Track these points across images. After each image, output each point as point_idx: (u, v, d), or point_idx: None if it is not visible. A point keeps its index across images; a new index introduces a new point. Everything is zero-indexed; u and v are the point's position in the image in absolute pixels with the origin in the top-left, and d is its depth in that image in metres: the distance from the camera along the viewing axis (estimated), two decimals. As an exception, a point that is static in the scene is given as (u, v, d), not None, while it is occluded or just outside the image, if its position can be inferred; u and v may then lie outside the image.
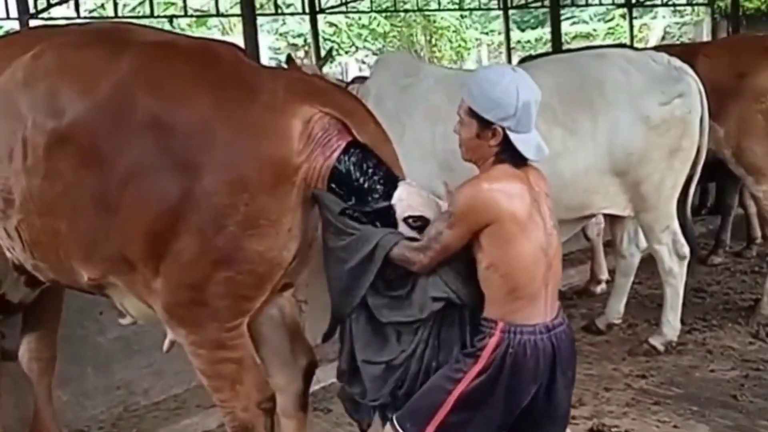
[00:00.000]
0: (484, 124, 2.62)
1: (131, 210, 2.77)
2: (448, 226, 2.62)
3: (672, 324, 5.22)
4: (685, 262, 5.13)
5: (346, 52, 20.14)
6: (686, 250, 5.10)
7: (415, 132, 4.84)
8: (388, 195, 2.80)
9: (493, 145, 2.62)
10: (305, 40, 17.10)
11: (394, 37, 19.89)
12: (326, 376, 4.92)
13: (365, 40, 20.01)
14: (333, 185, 2.79)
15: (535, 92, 2.66)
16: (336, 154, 2.78)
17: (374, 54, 19.83)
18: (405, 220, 2.79)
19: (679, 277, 5.15)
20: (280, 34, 18.41)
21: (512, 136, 2.60)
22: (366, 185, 2.79)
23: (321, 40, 13.52)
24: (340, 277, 2.80)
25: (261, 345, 3.24)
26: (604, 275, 6.67)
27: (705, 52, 5.75)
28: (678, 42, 22.13)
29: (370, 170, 2.80)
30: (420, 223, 2.78)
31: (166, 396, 4.68)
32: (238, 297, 2.83)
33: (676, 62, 5.00)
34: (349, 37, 19.41)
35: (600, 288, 6.64)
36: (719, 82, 5.32)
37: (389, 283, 2.78)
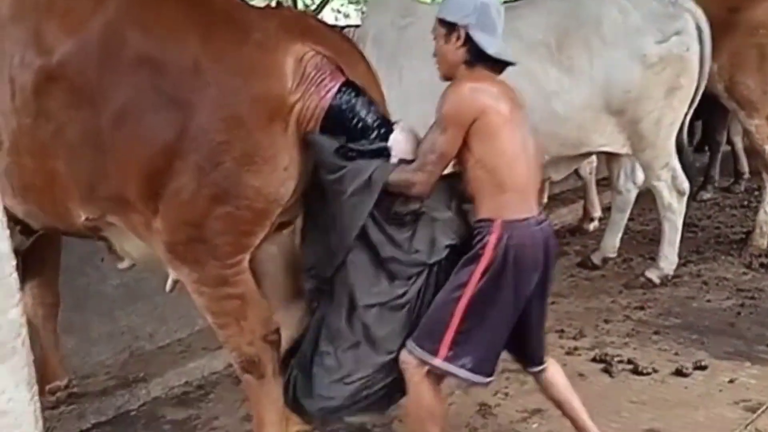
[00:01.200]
0: (449, 28, 2.77)
1: (127, 149, 2.71)
2: (439, 132, 2.70)
3: (669, 258, 5.20)
4: (684, 198, 5.09)
5: (322, 0, 19.69)
6: (686, 185, 5.06)
7: (414, 72, 4.75)
8: (382, 136, 2.77)
9: (459, 46, 2.76)
10: (282, -12, 16.67)
11: (370, -15, 19.53)
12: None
13: (341, -11, 19.56)
14: (327, 126, 2.75)
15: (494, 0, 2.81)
16: (330, 95, 2.73)
17: (350, 3, 19.50)
18: (399, 162, 2.77)
19: (678, 212, 5.11)
20: (258, -19, 17.99)
21: (473, 33, 2.74)
22: (360, 126, 2.76)
23: (298, -11, 13.19)
24: (338, 211, 2.79)
25: (263, 281, 3.19)
26: (597, 213, 6.65)
27: None
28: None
29: (364, 111, 2.77)
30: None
31: (170, 340, 4.63)
32: (238, 232, 2.79)
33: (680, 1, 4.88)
34: (325, -14, 18.95)
35: (593, 225, 6.63)
36: (712, 17, 5.23)
37: (392, 221, 2.79)
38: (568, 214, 6.98)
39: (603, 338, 4.50)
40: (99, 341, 4.39)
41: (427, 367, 2.80)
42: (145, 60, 2.70)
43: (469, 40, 2.75)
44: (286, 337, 3.16)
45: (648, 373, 4.00)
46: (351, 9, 19.10)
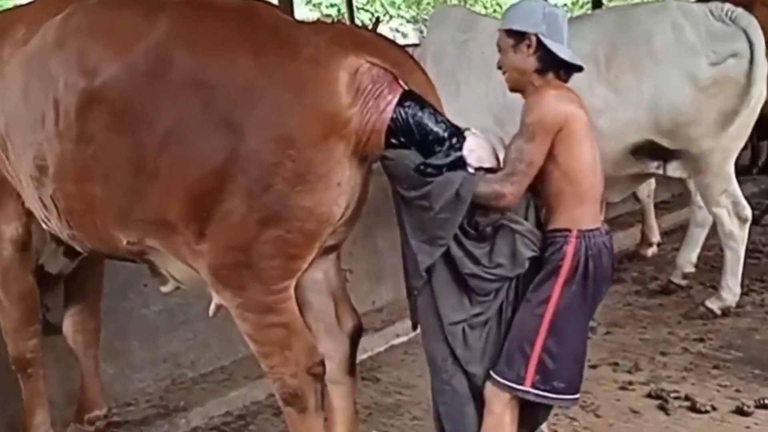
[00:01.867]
0: (518, 37, 2.79)
1: (173, 172, 2.70)
2: (527, 141, 2.71)
3: (732, 289, 5.04)
4: (747, 225, 4.94)
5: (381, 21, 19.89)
6: (748, 212, 4.91)
7: (470, 87, 4.88)
8: (455, 146, 2.73)
9: (530, 54, 2.77)
10: (339, 10, 16.92)
11: (428, 4, 19.64)
12: (373, 345, 4.89)
13: (399, 8, 19.74)
14: (393, 139, 2.72)
15: (560, 9, 2.90)
16: (390, 107, 2.70)
17: (408, 22, 19.59)
18: (477, 171, 2.74)
19: (740, 240, 4.96)
20: (314, 5, 18.25)
21: (545, 41, 2.75)
22: (430, 137, 2.72)
23: (355, 9, 13.33)
24: (422, 227, 2.78)
25: (306, 310, 3.15)
26: (656, 237, 6.48)
27: (763, 1, 5.48)
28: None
29: (431, 121, 2.73)
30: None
31: (212, 368, 4.62)
32: (287, 256, 2.75)
33: (739, 16, 4.70)
34: (383, 5, 19.18)
35: (651, 251, 6.45)
36: None
37: (470, 235, 2.77)
38: (625, 239, 6.77)
39: (659, 372, 4.39)
40: (140, 368, 4.41)
41: (509, 396, 2.80)
42: (194, 81, 2.70)
43: (540, 48, 2.77)
44: (329, 370, 3.11)
45: (706, 411, 3.88)
46: (409, 28, 19.14)
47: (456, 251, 2.76)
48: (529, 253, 2.77)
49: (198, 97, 2.67)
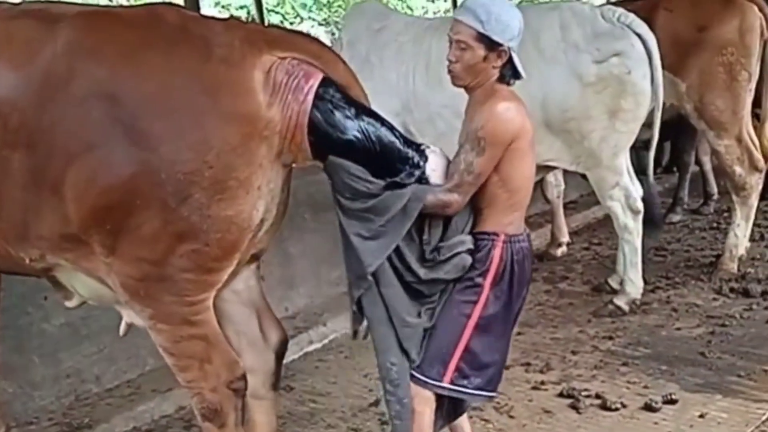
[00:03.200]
0: (493, 46, 2.79)
1: (78, 188, 2.60)
2: (478, 153, 2.77)
3: (634, 282, 5.25)
4: (640, 217, 5.16)
5: (291, 23, 19.77)
6: (639, 204, 5.14)
7: (383, 71, 5.11)
8: (381, 135, 2.73)
9: (497, 66, 2.82)
10: (248, 12, 16.68)
11: (339, 6, 19.61)
12: (286, 354, 4.79)
13: (310, 10, 19.65)
14: (314, 128, 2.67)
15: None
16: (310, 97, 2.66)
17: (320, 24, 19.50)
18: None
19: (635, 232, 5.17)
20: (222, 6, 17.98)
21: (514, 56, 2.82)
22: (349, 121, 2.70)
23: (265, 11, 13.17)
24: (365, 234, 2.79)
25: (227, 323, 3.09)
26: (565, 237, 6.69)
27: (665, 5, 5.73)
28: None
29: (351, 106, 2.71)
30: None
31: (119, 382, 4.53)
32: (204, 270, 2.69)
33: (628, 19, 4.96)
34: (293, 8, 19.06)
35: (561, 251, 6.63)
36: (680, 36, 5.30)
37: (423, 244, 2.84)
38: (535, 239, 6.84)
39: (570, 371, 4.54)
40: (42, 385, 4.31)
41: (430, 394, 2.90)
42: (98, 91, 2.59)
43: (509, 61, 2.83)
44: (252, 385, 3.06)
45: (616, 409, 4.03)
46: (321, 31, 19.05)
47: (397, 261, 2.81)
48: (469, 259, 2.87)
49: (102, 107, 2.57)
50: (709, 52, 5.53)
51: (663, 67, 4.96)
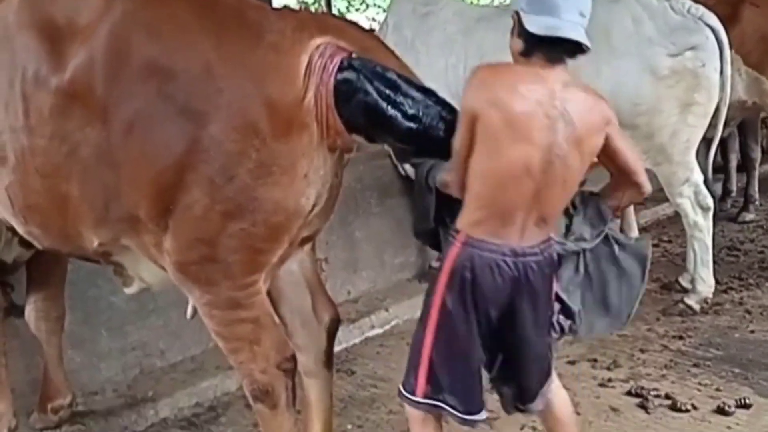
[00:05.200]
0: (515, 17, 2.44)
1: (136, 164, 2.57)
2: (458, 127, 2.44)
3: (705, 280, 4.96)
4: (710, 214, 4.90)
5: (357, 10, 19.82)
6: (709, 201, 4.87)
7: (430, 60, 4.94)
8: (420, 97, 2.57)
9: (515, 36, 2.44)
10: (315, -1, 16.67)
11: (405, -8, 19.53)
12: (348, 338, 4.78)
13: (375, -3, 19.62)
14: (342, 105, 2.55)
15: None
16: (333, 75, 2.54)
17: (384, 11, 19.53)
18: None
19: (705, 230, 4.91)
20: (291, -7, 18.03)
21: (524, 17, 2.39)
22: (376, 92, 2.54)
23: (332, -2, 13.13)
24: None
25: (280, 303, 3.04)
26: (634, 233, 6.44)
27: (752, 0, 5.44)
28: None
29: (380, 77, 2.55)
30: None
31: (183, 357, 4.48)
32: (253, 250, 2.62)
33: (699, 11, 4.74)
34: (359, -6, 19.03)
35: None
36: (766, 33, 5.05)
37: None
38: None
39: (639, 369, 4.29)
40: (108, 357, 4.25)
41: (416, 413, 2.65)
42: (153, 67, 2.55)
43: (521, 26, 2.40)
44: (302, 363, 3.01)
45: (687, 411, 3.79)
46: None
47: None
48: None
49: (158, 84, 2.53)
50: None
51: (746, 64, 4.80)
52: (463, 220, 2.50)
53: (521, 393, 2.71)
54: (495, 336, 2.55)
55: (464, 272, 2.47)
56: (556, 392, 2.80)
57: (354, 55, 2.56)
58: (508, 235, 2.45)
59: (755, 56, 4.91)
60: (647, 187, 2.60)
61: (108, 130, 2.59)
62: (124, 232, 2.74)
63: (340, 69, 2.54)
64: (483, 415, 2.61)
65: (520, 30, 2.40)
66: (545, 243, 2.53)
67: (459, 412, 2.56)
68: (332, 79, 2.54)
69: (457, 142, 2.44)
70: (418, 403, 2.59)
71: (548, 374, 2.72)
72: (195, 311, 2.88)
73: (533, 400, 2.72)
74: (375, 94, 2.53)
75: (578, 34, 2.37)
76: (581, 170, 2.47)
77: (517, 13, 2.43)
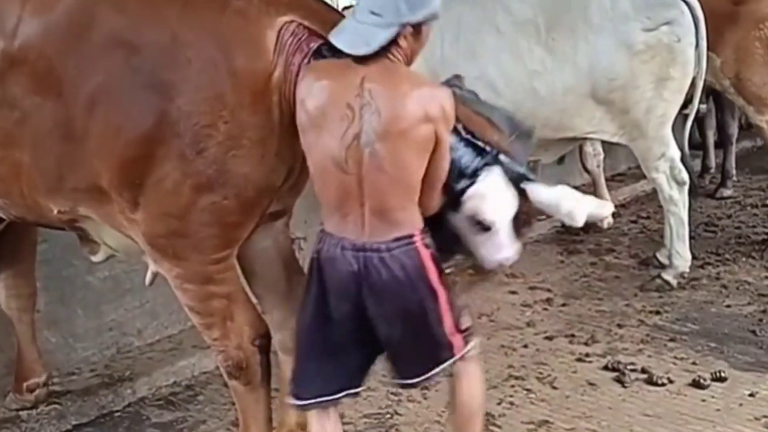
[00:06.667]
0: None
1: (102, 137, 2.54)
2: None
3: (681, 255, 4.98)
4: (686, 188, 4.92)
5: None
6: (685, 175, 4.88)
7: None
8: None
9: None
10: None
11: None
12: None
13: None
14: None
15: None
16: (307, 59, 2.51)
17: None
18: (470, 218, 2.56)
19: (681, 204, 4.92)
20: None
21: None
22: None
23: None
24: None
25: (255, 279, 3.03)
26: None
27: None
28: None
29: None
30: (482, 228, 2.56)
31: (160, 337, 4.45)
32: (225, 224, 2.61)
33: None
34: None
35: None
36: (715, 10, 5.03)
37: None
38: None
39: (616, 344, 4.31)
40: (84, 336, 4.21)
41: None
42: (119, 39, 2.53)
43: None
44: (278, 340, 3.01)
45: (663, 384, 3.82)
46: None
47: None
48: None
49: (124, 56, 2.50)
50: (745, 26, 5.37)
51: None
52: (321, 214, 2.51)
53: (398, 370, 2.66)
54: (359, 328, 2.50)
55: (314, 263, 2.50)
56: (464, 382, 2.70)
57: (329, 44, 2.50)
58: (349, 230, 2.42)
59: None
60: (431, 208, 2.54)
61: (64, 103, 2.56)
62: (83, 201, 2.72)
63: (315, 56, 2.51)
64: (309, 400, 2.60)
65: None
66: (398, 240, 2.42)
67: (293, 396, 2.60)
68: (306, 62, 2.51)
69: None
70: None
71: (434, 361, 2.60)
72: (154, 277, 2.88)
73: (411, 379, 2.65)
74: None
75: (348, 43, 2.35)
76: (410, 160, 2.37)
77: None
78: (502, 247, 2.61)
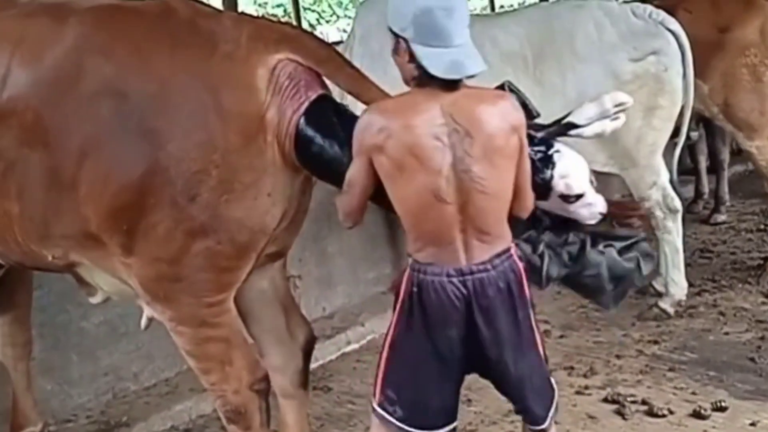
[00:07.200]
0: (395, 38, 2.38)
1: (92, 185, 2.55)
2: (353, 156, 2.42)
3: (678, 283, 4.98)
4: (679, 216, 4.93)
5: (327, 21, 19.77)
6: (677, 203, 4.90)
7: (396, 71, 4.96)
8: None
9: (405, 61, 2.36)
10: (285, 10, 16.70)
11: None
12: (324, 354, 4.74)
13: (346, 8, 19.65)
14: (299, 142, 2.54)
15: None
16: (304, 108, 2.53)
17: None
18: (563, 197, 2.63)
19: (674, 232, 4.93)
20: (260, 5, 18.04)
21: (416, 48, 2.31)
22: (336, 146, 2.55)
23: (302, 9, 13.18)
24: None
25: (253, 322, 3.03)
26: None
27: (684, 6, 5.44)
28: None
29: (341, 127, 2.55)
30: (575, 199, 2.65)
31: (156, 380, 4.43)
32: (219, 269, 2.61)
33: (660, 16, 4.81)
34: (330, 6, 19.05)
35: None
36: (701, 38, 5.09)
37: None
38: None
39: (615, 375, 4.30)
40: (80, 383, 4.20)
41: (375, 420, 2.61)
42: (107, 88, 2.55)
43: (413, 56, 2.33)
44: (278, 384, 3.01)
45: (664, 416, 3.80)
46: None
47: None
48: None
49: (111, 105, 2.52)
50: (731, 53, 5.37)
51: (685, 69, 4.88)
52: (410, 247, 2.47)
53: (526, 414, 2.67)
54: (468, 357, 2.50)
55: (413, 296, 2.44)
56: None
57: (327, 97, 2.57)
58: (451, 258, 2.40)
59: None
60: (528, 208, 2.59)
61: (50, 153, 2.58)
62: (72, 248, 2.73)
63: (311, 107, 2.54)
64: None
65: (412, 59, 2.35)
66: (499, 256, 2.44)
67: (407, 425, 2.53)
68: (301, 113, 2.54)
69: (351, 172, 2.43)
70: (374, 410, 2.58)
71: (548, 395, 2.65)
72: (149, 322, 2.87)
73: (540, 423, 2.65)
74: (335, 148, 2.55)
75: (477, 64, 2.36)
76: (506, 175, 2.42)
77: (396, 34, 2.39)
78: (594, 203, 2.71)
